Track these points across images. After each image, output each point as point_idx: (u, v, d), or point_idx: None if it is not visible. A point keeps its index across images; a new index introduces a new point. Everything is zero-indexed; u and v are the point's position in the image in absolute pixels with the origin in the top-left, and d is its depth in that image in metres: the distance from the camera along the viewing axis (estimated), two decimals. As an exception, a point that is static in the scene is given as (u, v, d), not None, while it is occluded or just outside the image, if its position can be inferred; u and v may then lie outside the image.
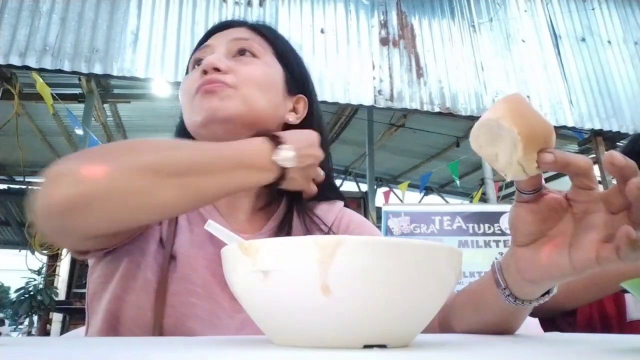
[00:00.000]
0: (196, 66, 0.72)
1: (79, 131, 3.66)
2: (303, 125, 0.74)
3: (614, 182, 0.40)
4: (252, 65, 0.69)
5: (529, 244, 0.47)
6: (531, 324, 0.92)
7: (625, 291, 0.85)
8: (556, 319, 0.92)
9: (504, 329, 0.57)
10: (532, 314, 0.84)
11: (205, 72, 0.67)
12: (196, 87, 0.66)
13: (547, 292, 0.51)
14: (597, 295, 0.85)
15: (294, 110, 0.75)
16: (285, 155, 0.57)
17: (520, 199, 0.46)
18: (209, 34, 0.76)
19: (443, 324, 0.64)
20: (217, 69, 0.66)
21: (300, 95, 0.76)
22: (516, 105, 0.40)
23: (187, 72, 0.76)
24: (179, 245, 0.64)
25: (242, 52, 0.71)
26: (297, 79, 0.76)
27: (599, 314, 0.89)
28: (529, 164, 0.40)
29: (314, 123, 0.76)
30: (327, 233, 0.73)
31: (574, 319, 0.90)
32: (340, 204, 0.79)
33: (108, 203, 0.47)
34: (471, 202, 5.81)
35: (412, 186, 5.79)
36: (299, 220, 0.72)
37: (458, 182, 5.16)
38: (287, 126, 0.72)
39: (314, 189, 0.65)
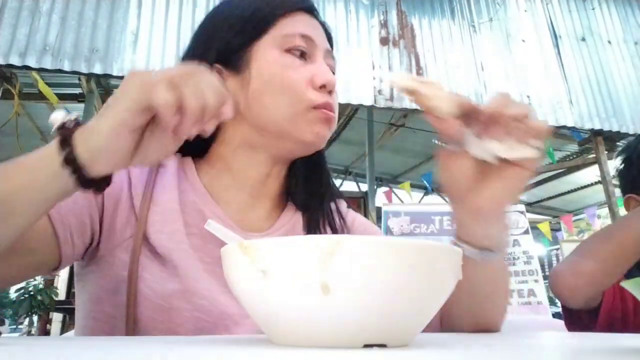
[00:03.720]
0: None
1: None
2: None
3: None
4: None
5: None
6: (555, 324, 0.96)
7: None
8: (581, 315, 0.92)
9: (488, 299, 0.59)
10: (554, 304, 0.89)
11: (329, 92, 0.66)
12: (318, 104, 0.64)
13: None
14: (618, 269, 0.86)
15: None
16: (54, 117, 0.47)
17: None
18: (292, 8, 0.69)
19: (444, 319, 0.64)
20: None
21: None
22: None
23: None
24: (176, 252, 0.60)
25: None
26: None
27: (622, 313, 0.89)
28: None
29: None
30: (336, 232, 0.72)
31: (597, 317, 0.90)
32: (344, 204, 0.79)
33: None
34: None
35: (412, 186, 5.78)
36: (307, 219, 0.72)
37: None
38: None
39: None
